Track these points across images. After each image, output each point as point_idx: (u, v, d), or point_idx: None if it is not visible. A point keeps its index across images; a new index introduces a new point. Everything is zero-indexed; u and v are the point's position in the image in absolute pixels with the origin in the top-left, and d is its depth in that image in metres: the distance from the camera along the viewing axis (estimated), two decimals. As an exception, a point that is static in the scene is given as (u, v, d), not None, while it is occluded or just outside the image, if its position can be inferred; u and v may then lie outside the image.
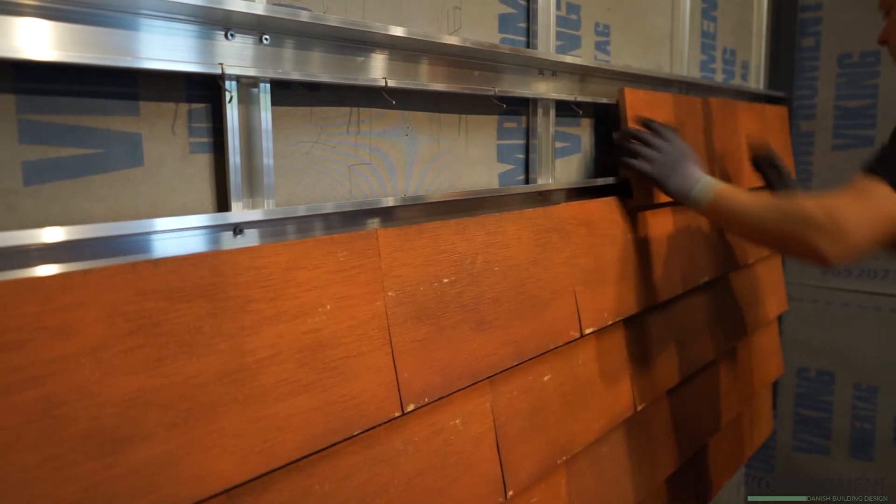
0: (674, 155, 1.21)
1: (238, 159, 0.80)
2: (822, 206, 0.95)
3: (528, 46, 1.26)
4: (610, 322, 1.28)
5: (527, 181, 1.30)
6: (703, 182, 1.17)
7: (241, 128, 0.80)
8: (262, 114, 0.81)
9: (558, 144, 1.38)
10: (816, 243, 0.94)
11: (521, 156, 1.29)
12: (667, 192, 1.22)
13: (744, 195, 1.11)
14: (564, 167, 1.42)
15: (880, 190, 0.93)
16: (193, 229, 0.73)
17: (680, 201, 1.20)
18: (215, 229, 0.76)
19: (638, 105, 1.40)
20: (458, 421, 0.96)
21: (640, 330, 1.41)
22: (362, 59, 0.91)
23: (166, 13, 0.69)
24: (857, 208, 0.94)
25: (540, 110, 1.28)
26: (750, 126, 1.94)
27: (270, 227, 0.82)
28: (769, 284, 2.16)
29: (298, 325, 0.75)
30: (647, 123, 1.28)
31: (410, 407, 0.87)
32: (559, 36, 1.35)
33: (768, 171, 1.58)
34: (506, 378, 1.05)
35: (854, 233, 0.92)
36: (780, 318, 2.33)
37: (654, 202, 1.41)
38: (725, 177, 1.76)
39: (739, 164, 1.84)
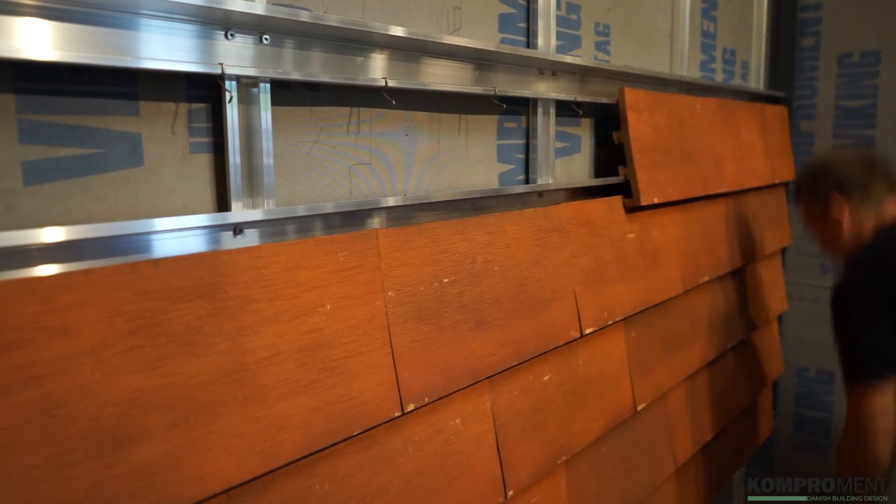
0: None
1: (238, 159, 0.80)
2: (843, 449, 1.25)
3: (528, 46, 1.26)
4: (610, 322, 1.28)
5: (527, 181, 1.30)
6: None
7: (241, 128, 0.80)
8: (262, 114, 0.81)
9: (558, 144, 1.38)
10: (860, 460, 1.20)
11: (521, 156, 1.29)
12: None
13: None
14: (564, 167, 1.42)
15: (872, 403, 1.18)
16: (193, 229, 0.73)
17: None
18: (215, 229, 0.76)
19: (638, 105, 1.40)
20: (458, 421, 0.96)
21: (640, 329, 1.41)
22: (362, 59, 0.91)
23: (166, 13, 0.69)
24: (859, 433, 1.19)
25: (540, 110, 1.28)
26: (750, 126, 1.94)
27: (270, 227, 0.82)
28: (769, 284, 2.16)
29: (298, 325, 0.75)
30: None
31: (410, 407, 0.87)
32: (559, 36, 1.34)
33: None
34: (506, 378, 1.05)
35: (875, 445, 1.19)
36: (780, 318, 2.32)
37: (655, 202, 1.41)
38: (730, 176, 1.76)
39: (742, 164, 1.84)
